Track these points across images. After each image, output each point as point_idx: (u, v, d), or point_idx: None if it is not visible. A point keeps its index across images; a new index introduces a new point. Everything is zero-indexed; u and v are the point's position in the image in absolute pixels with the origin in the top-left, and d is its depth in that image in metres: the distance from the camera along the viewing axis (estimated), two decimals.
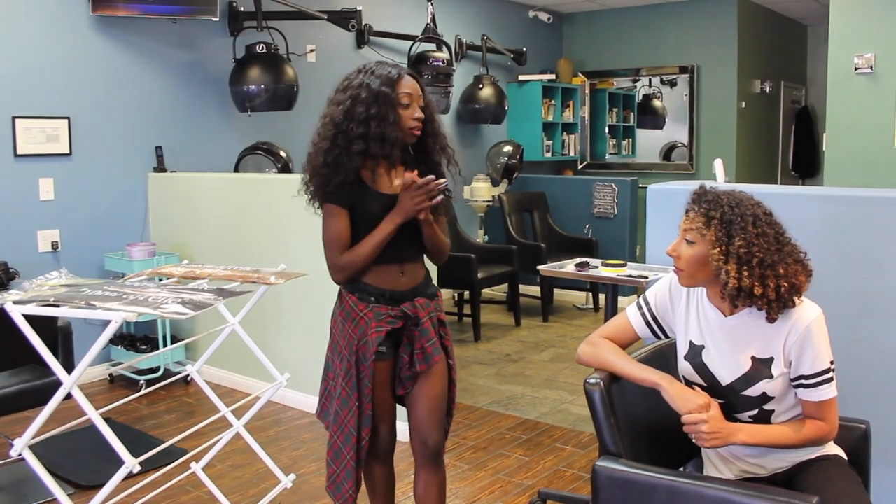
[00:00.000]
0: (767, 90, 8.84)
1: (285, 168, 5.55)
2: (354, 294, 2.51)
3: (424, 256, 2.61)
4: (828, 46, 6.34)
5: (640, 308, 2.27)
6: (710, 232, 1.97)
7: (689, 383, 2.14)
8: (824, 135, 6.37)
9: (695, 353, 2.13)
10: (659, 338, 2.27)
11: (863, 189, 3.23)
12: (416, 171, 2.43)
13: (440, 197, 2.41)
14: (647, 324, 2.25)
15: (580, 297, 7.49)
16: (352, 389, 2.48)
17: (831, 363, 2.00)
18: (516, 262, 6.58)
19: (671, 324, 2.23)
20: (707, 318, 2.12)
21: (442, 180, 2.41)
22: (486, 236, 7.49)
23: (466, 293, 6.70)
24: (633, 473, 1.98)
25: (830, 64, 6.29)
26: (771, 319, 1.99)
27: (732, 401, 2.08)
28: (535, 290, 7.22)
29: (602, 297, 7.04)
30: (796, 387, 2.03)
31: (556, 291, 7.37)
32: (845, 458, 2.16)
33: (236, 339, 2.72)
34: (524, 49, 8.15)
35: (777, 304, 1.95)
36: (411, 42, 6.78)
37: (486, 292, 7.40)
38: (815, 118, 9.71)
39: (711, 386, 2.10)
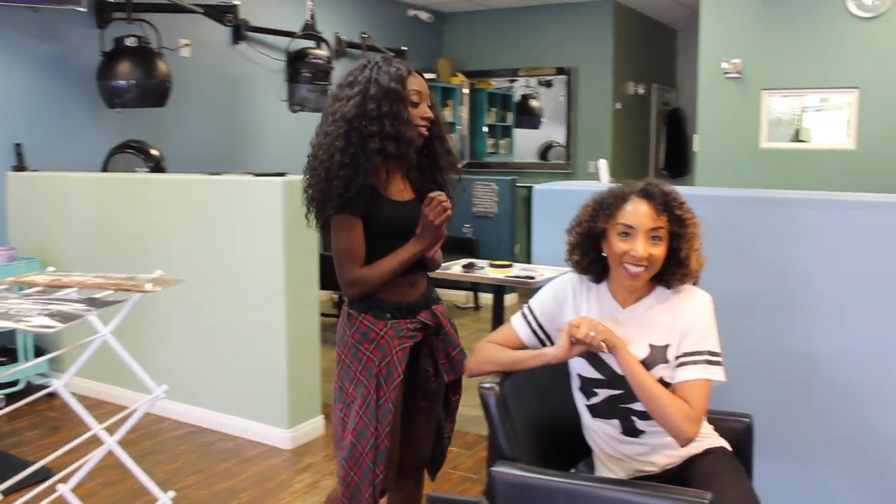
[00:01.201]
0: (640, 92, 9.11)
1: (157, 167, 5.30)
2: (368, 313, 2.27)
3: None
4: (697, 51, 6.59)
5: (525, 317, 2.25)
6: (686, 229, 2.05)
7: (586, 379, 2.13)
8: (695, 136, 6.61)
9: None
10: (545, 346, 2.22)
11: (735, 189, 3.33)
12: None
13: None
14: (534, 332, 2.23)
15: (461, 297, 7.49)
16: (370, 419, 2.22)
17: (717, 351, 2.05)
18: None
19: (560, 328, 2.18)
20: (603, 312, 2.13)
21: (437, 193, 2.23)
22: None
23: None
24: (530, 478, 1.96)
25: (701, 68, 6.53)
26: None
27: (630, 390, 2.08)
28: None
29: (484, 295, 7.08)
30: (677, 367, 2.04)
31: (437, 290, 7.33)
32: (730, 449, 2.20)
33: (108, 349, 2.55)
34: (404, 48, 8.10)
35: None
36: (290, 38, 6.62)
37: None
38: (685, 120, 10.06)
39: (610, 377, 2.09)
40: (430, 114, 2.26)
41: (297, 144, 6.98)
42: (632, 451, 2.14)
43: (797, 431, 2.85)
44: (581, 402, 2.20)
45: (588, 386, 2.14)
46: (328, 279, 5.63)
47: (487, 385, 2.04)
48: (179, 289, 3.03)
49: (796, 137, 6.28)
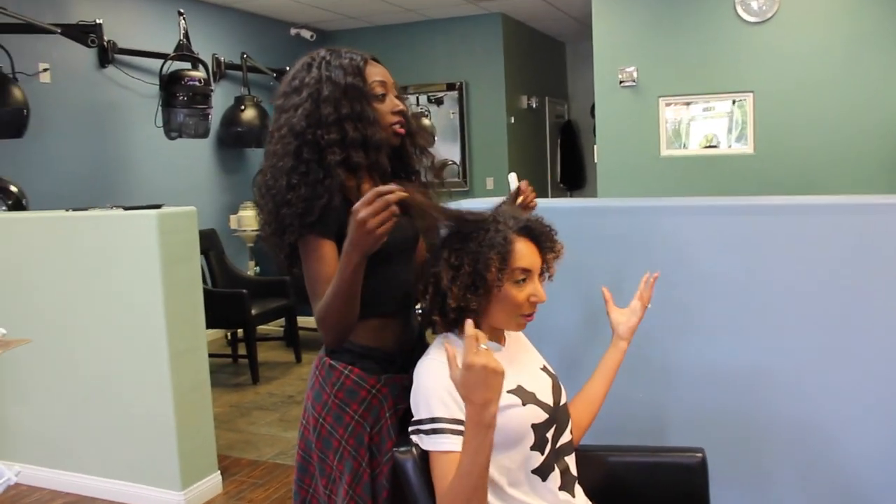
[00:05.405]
0: (534, 105, 8.97)
1: (17, 205, 4.78)
2: (356, 365, 1.84)
3: None
4: (587, 62, 6.49)
5: (454, 432, 1.63)
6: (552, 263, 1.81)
7: (539, 426, 1.74)
8: (595, 147, 6.48)
9: (524, 395, 1.75)
10: None
11: (635, 199, 3.16)
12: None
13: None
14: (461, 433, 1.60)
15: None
16: (363, 497, 1.82)
17: None
18: (293, 295, 6.12)
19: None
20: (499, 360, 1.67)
21: (391, 186, 1.59)
22: (258, 268, 6.98)
23: (239, 331, 6.19)
24: None
25: (597, 79, 6.41)
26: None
27: (561, 420, 1.81)
28: (314, 322, 6.80)
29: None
30: None
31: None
32: None
33: None
34: (287, 68, 7.70)
35: None
36: (163, 60, 6.16)
37: (261, 328, 6.87)
38: (578, 132, 10.02)
39: (551, 415, 1.78)
40: (401, 106, 1.88)
41: (177, 173, 6.61)
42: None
43: (745, 456, 2.63)
44: (530, 466, 1.75)
45: (542, 433, 1.75)
46: (217, 315, 5.24)
47: (404, 448, 1.71)
48: (45, 341, 2.62)
49: (707, 144, 6.23)
